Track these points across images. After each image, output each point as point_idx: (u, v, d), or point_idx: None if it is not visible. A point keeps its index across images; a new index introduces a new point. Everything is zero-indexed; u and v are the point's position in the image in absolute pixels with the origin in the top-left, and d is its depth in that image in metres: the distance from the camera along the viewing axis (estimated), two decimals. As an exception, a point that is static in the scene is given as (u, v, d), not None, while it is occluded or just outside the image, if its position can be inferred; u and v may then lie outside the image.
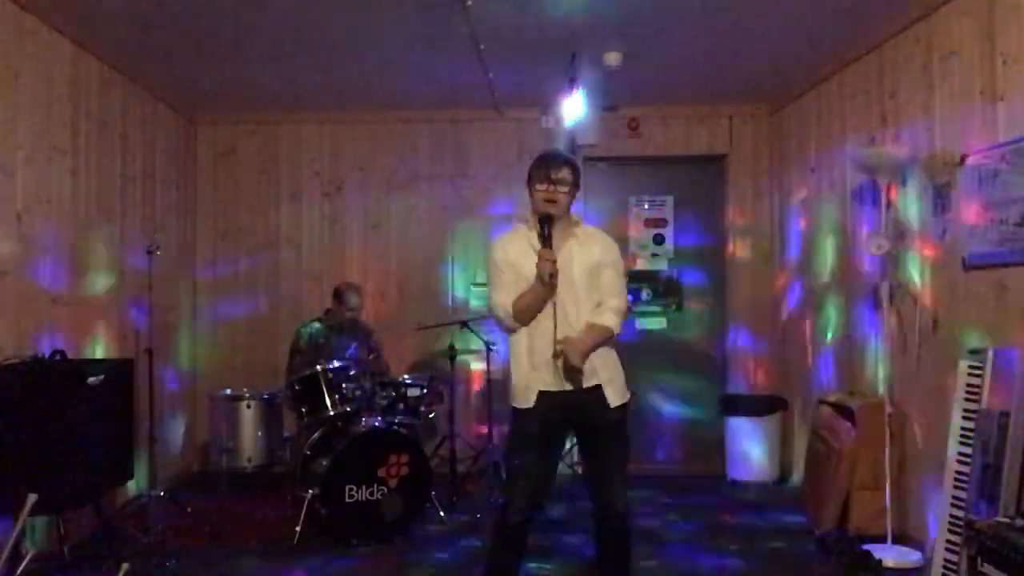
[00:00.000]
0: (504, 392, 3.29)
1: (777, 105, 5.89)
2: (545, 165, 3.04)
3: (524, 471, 3.03)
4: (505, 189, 6.12)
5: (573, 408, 3.00)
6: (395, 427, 4.53)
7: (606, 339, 2.98)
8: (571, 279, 2.98)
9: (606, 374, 3.02)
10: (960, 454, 3.33)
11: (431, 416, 4.99)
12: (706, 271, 6.21)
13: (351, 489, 4.24)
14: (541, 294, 2.93)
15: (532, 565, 3.96)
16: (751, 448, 5.64)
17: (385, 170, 6.16)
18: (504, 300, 2.98)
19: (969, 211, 3.57)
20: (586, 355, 2.92)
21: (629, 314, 3.11)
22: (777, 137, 5.99)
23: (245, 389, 5.30)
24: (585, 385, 2.99)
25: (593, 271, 3.02)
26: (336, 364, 4.63)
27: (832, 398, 4.58)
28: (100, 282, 4.60)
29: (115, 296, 4.76)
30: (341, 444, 4.28)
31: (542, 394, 2.98)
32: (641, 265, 6.20)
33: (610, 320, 2.97)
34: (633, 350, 6.12)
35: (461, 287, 6.13)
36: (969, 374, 3.36)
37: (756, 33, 4.47)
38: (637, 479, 5.67)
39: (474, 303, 6.06)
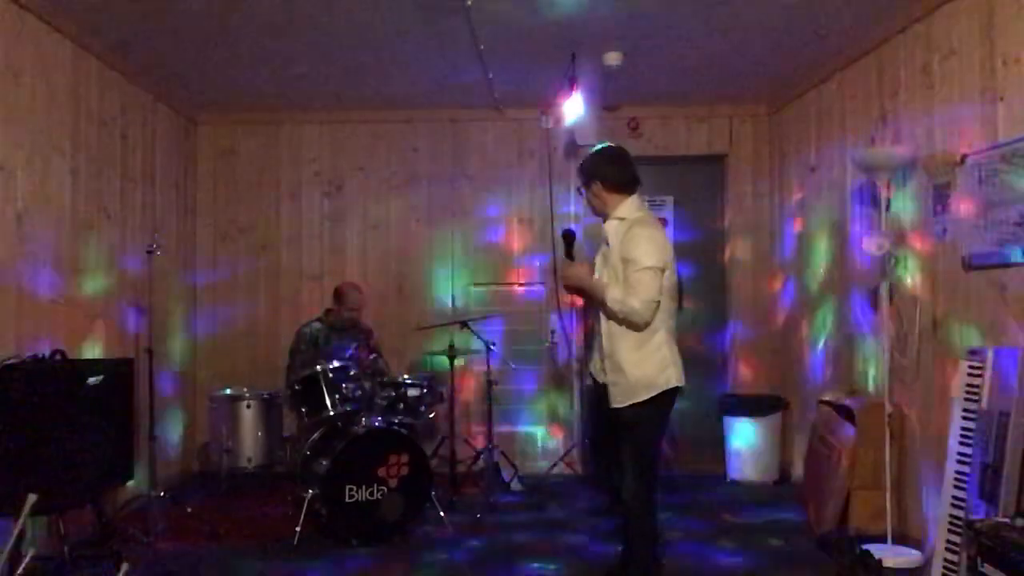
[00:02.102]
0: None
1: (777, 105, 5.90)
2: None
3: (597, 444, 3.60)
4: (505, 189, 6.13)
5: (601, 396, 3.33)
6: (395, 427, 4.54)
7: (597, 299, 3.20)
8: (615, 271, 3.20)
9: (612, 376, 3.24)
10: (960, 454, 3.33)
11: (431, 416, 4.99)
12: (706, 271, 6.21)
13: (351, 489, 4.24)
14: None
15: (534, 565, 3.96)
16: (751, 448, 5.64)
17: (385, 170, 6.16)
18: None
19: (969, 211, 3.57)
20: (571, 285, 3.32)
21: (634, 311, 3.06)
22: (777, 137, 5.99)
23: (245, 389, 5.31)
24: (600, 380, 3.35)
25: (618, 263, 3.17)
26: (336, 364, 4.63)
27: (832, 398, 4.58)
28: (100, 282, 4.60)
29: (115, 296, 4.76)
30: (341, 444, 4.28)
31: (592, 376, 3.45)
32: (641, 265, 6.19)
33: (609, 295, 3.12)
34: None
35: (461, 287, 6.13)
36: (969, 374, 3.36)
37: (756, 33, 4.47)
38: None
39: (474, 303, 6.07)
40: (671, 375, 3.22)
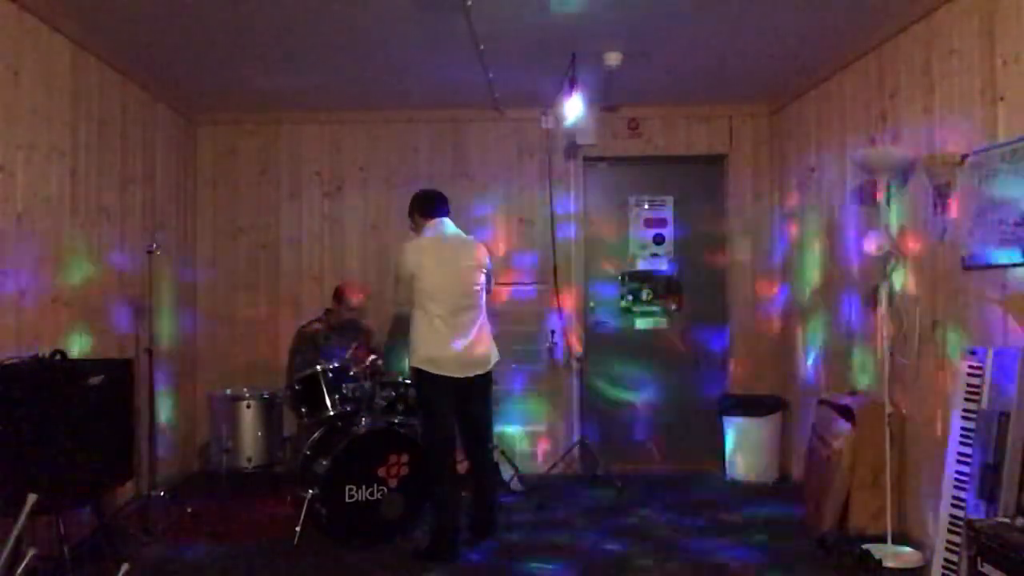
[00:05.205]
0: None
1: (777, 105, 5.90)
2: None
3: None
4: (505, 189, 6.13)
5: None
6: (395, 427, 4.54)
7: None
8: None
9: None
10: (960, 454, 3.33)
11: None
12: (706, 271, 6.21)
13: (351, 489, 4.25)
14: None
15: (532, 565, 3.97)
16: (751, 448, 5.64)
17: (385, 170, 6.16)
18: None
19: (969, 211, 3.57)
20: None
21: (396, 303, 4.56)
22: (777, 137, 6.00)
23: (245, 389, 5.31)
24: None
25: None
26: (336, 364, 4.63)
27: (832, 398, 4.58)
28: (100, 282, 4.59)
29: (115, 296, 4.76)
30: (341, 444, 4.28)
31: None
32: (641, 265, 6.20)
33: None
34: (633, 349, 6.19)
35: (461, 287, 6.12)
36: (969, 374, 3.36)
37: (756, 33, 4.47)
38: (637, 478, 5.72)
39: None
40: (424, 356, 4.08)
